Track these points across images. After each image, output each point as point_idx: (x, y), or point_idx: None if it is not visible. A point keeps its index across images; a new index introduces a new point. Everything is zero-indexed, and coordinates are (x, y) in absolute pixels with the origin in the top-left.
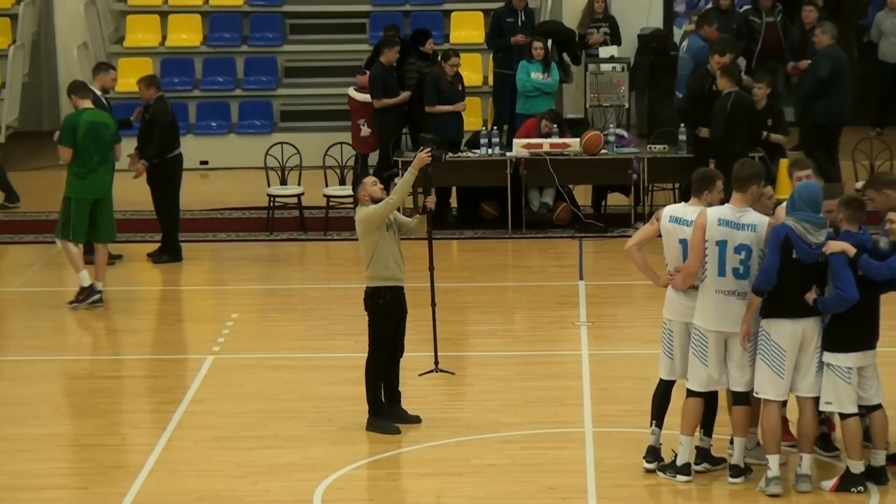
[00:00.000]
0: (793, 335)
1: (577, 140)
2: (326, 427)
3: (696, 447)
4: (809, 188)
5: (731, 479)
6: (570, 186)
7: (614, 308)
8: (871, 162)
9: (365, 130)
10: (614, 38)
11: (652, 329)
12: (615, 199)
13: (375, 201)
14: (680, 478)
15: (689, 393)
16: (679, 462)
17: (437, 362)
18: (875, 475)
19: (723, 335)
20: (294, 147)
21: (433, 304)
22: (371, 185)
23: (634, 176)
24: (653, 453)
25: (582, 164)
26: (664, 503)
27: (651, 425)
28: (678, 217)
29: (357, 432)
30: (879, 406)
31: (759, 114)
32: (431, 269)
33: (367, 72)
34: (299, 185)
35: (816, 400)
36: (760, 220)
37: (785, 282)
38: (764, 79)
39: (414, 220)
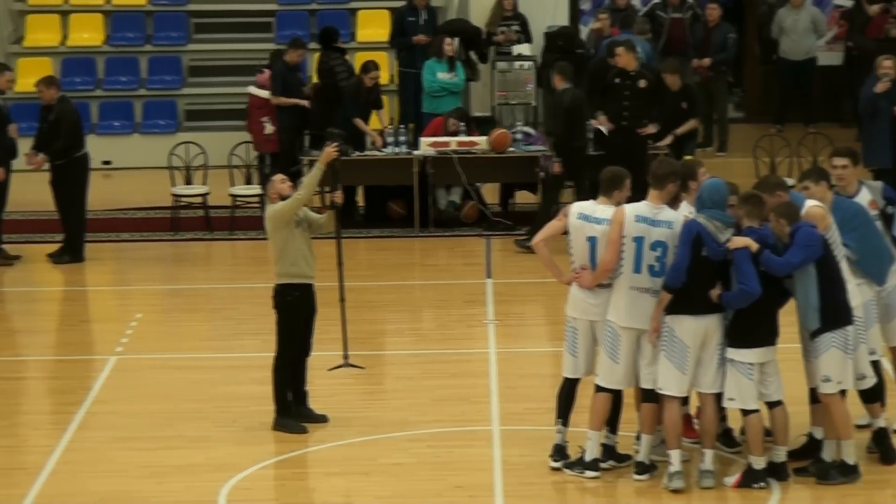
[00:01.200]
0: (696, 331)
1: (485, 138)
2: (232, 427)
3: (602, 444)
4: (716, 186)
5: (636, 477)
6: (478, 185)
7: (522, 306)
8: (771, 159)
9: (269, 128)
10: (525, 36)
11: (559, 327)
12: (523, 197)
13: (284, 199)
14: (588, 473)
15: (598, 388)
16: (587, 458)
17: (346, 356)
18: (776, 471)
19: (636, 332)
20: (199, 146)
21: (342, 300)
22: (280, 182)
23: (542, 174)
24: (559, 452)
25: (489, 162)
26: (571, 500)
27: (556, 424)
28: (586, 214)
29: (264, 432)
30: (780, 402)
31: (586, 107)
32: (340, 263)
33: (266, 70)
34: (205, 184)
35: (718, 396)
36: (676, 217)
37: (692, 279)
38: (670, 65)
39: (324, 217)
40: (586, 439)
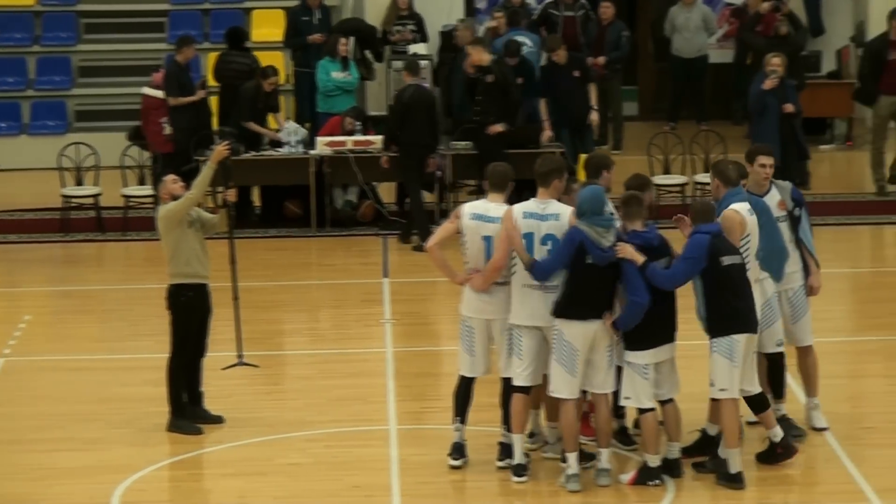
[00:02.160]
0: (584, 336)
1: (381, 137)
2: (126, 428)
3: (499, 443)
4: (592, 192)
5: (515, 479)
6: (374, 184)
7: (418, 305)
8: (665, 156)
9: (167, 129)
10: (421, 35)
11: (456, 326)
12: None
13: (176, 199)
14: (515, 479)
15: (516, 389)
16: (514, 461)
17: (240, 355)
18: (671, 468)
19: (534, 329)
20: (90, 147)
21: (235, 298)
22: (171, 182)
23: (438, 173)
24: (458, 450)
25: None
26: (468, 499)
27: (454, 422)
28: (479, 214)
29: (158, 433)
30: (671, 400)
31: (432, 105)
32: (233, 262)
33: (161, 70)
34: (97, 185)
35: (611, 395)
36: (563, 210)
37: (581, 285)
38: (553, 41)
39: (216, 216)
40: (506, 442)
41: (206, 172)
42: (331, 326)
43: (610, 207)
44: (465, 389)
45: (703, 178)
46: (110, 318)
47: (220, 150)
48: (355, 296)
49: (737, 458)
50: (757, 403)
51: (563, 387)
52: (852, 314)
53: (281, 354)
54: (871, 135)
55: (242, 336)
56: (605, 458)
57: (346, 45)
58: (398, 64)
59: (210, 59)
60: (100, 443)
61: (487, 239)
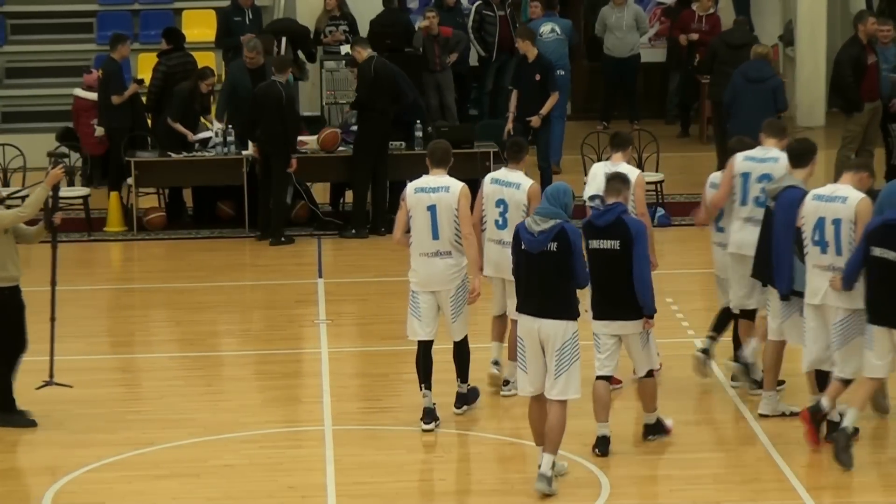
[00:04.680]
0: (529, 331)
1: (314, 138)
2: (56, 430)
3: (457, 393)
4: (558, 187)
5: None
6: (308, 184)
7: (353, 305)
8: (598, 156)
9: (99, 130)
10: (353, 35)
11: (390, 326)
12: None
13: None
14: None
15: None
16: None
17: (52, 375)
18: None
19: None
20: (17, 148)
21: (52, 319)
22: None
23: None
24: (429, 415)
25: (319, 161)
26: (404, 498)
27: (421, 389)
28: (422, 187)
29: (89, 435)
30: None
31: (394, 77)
32: (53, 283)
33: (94, 70)
34: (24, 186)
35: (564, 403)
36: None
37: (522, 275)
38: (522, 31)
39: (33, 229)
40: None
41: (40, 193)
42: (265, 327)
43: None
44: (424, 355)
45: None
46: (38, 321)
47: (56, 173)
48: (290, 296)
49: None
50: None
51: (521, 383)
52: None
53: (214, 355)
54: (843, 141)
55: (177, 339)
56: (546, 463)
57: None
58: (331, 64)
59: (140, 60)
60: (28, 445)
61: (431, 209)
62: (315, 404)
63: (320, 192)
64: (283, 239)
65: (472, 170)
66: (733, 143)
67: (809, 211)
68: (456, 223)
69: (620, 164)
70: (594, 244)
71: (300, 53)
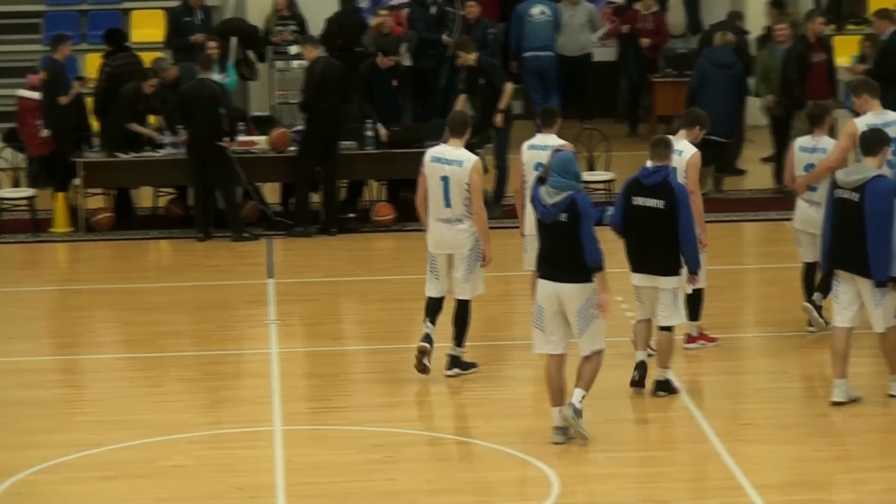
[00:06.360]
0: (550, 295)
1: (265, 138)
2: (1, 431)
3: (449, 355)
4: (563, 157)
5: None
6: (258, 185)
7: (303, 305)
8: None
9: (44, 131)
10: (303, 35)
11: (341, 326)
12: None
13: None
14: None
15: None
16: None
17: None
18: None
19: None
20: None
21: None
22: None
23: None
24: (426, 338)
25: (270, 161)
26: (354, 498)
27: (424, 322)
28: (438, 157)
29: (35, 436)
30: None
31: (341, 77)
32: None
33: (39, 72)
34: None
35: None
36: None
37: (543, 245)
38: (460, 43)
39: None
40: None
41: None
42: (215, 328)
43: (580, 175)
44: (433, 304)
45: (587, 175)
46: None
47: None
48: (240, 297)
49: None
50: None
51: (536, 342)
52: (732, 311)
53: (163, 356)
54: (792, 140)
55: (129, 339)
56: (555, 416)
57: (216, 47)
58: (281, 64)
59: (88, 61)
60: None
61: (444, 179)
62: (265, 405)
63: (270, 192)
64: (245, 234)
65: None
66: (811, 109)
67: None
68: (466, 195)
69: (550, 137)
70: (639, 201)
71: (250, 53)
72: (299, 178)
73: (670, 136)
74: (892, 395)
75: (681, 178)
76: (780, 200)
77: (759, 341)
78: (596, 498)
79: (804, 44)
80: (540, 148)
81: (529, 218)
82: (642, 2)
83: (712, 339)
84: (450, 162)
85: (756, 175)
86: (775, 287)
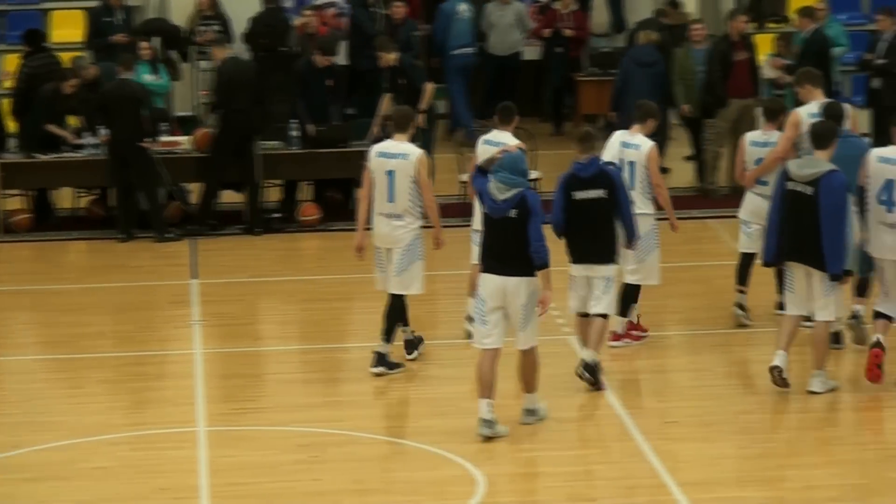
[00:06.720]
0: (494, 289)
1: (188, 138)
2: None
3: (376, 352)
4: (513, 156)
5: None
6: (182, 185)
7: (228, 306)
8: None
9: None
10: (226, 35)
11: (264, 326)
12: (229, 197)
13: None
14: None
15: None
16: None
17: None
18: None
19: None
20: None
21: None
22: None
23: None
24: (378, 358)
25: (193, 161)
26: (279, 498)
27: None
28: (383, 151)
29: None
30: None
31: (253, 76)
32: None
33: None
34: None
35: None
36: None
37: (488, 239)
38: (379, 43)
39: None
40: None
41: None
42: (137, 329)
43: (529, 174)
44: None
45: None
46: None
47: None
48: (163, 297)
49: None
50: None
51: (479, 337)
52: (656, 309)
53: (84, 357)
54: (713, 138)
55: (48, 341)
56: (482, 408)
57: (149, 48)
58: (204, 64)
59: (7, 62)
60: None
61: (390, 173)
62: (188, 405)
63: (194, 192)
64: (168, 235)
65: (348, 169)
66: (766, 102)
67: (876, 172)
68: (412, 189)
69: (505, 135)
70: (580, 195)
71: (173, 53)
72: (207, 179)
73: (592, 128)
74: (812, 392)
75: (641, 173)
76: (702, 199)
77: (682, 339)
78: (522, 497)
79: (727, 42)
80: (494, 144)
81: (478, 213)
82: (561, 1)
83: (640, 335)
84: (395, 156)
85: (679, 173)
86: (698, 285)
